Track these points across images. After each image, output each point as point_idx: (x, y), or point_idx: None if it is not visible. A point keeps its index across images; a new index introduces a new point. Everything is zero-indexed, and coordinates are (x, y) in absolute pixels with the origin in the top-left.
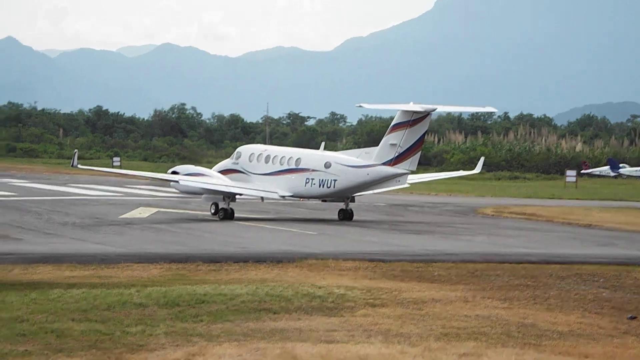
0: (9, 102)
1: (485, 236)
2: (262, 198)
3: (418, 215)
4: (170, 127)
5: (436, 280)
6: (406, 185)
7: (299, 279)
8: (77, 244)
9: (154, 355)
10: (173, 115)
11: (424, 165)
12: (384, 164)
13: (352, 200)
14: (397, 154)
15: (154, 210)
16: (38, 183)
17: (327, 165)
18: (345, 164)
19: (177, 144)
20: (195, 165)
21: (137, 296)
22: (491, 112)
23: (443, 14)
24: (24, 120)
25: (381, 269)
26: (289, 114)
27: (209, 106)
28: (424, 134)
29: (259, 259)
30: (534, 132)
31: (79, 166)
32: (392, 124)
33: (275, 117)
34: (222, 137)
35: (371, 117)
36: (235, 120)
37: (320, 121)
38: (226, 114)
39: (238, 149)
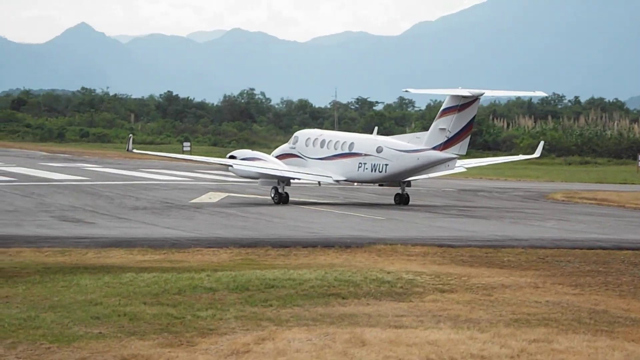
0: (83, 88)
1: (555, 222)
2: (319, 182)
3: (487, 200)
4: (239, 112)
5: (506, 266)
6: (461, 170)
7: (368, 264)
8: (148, 228)
9: (224, 339)
10: (242, 101)
11: (494, 150)
12: (433, 148)
13: (409, 184)
14: (446, 139)
15: (224, 195)
16: (110, 168)
17: (379, 150)
18: (397, 148)
19: (246, 129)
20: (260, 150)
21: (208, 280)
22: (543, 97)
23: None
24: (96, 106)
25: (450, 255)
26: (357, 98)
27: (278, 91)
28: (473, 118)
29: (328, 244)
30: (605, 117)
31: (134, 150)
32: (442, 108)
33: (344, 102)
34: (291, 122)
35: (439, 102)
36: (303, 105)
37: (388, 106)
38: (295, 99)
39: (295, 134)
